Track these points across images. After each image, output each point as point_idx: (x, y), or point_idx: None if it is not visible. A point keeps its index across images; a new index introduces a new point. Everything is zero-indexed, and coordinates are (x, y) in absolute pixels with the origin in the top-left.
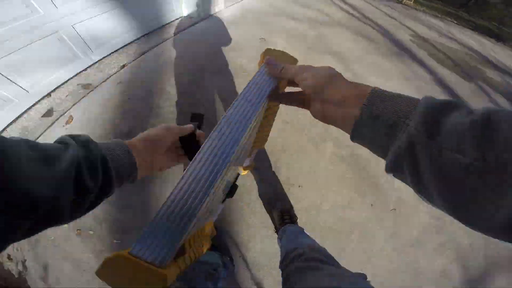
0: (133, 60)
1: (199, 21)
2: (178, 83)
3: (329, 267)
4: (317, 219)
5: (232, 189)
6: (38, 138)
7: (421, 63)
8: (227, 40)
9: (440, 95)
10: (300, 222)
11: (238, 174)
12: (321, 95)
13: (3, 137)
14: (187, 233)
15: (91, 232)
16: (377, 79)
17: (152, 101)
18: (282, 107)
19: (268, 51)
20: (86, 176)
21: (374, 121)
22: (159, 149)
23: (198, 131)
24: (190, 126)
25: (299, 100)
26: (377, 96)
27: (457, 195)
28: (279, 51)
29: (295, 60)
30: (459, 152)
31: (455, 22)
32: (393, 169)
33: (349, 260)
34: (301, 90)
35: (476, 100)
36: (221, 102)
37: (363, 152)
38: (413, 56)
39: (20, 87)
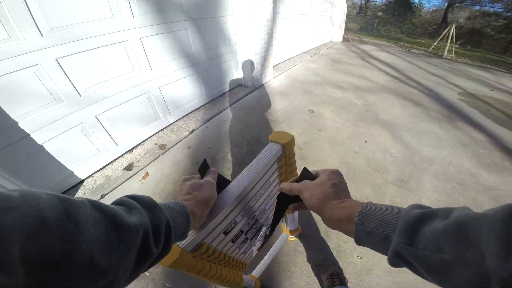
0: (200, 126)
1: (253, 90)
2: (238, 153)
3: None
4: (369, 283)
5: (266, 239)
6: (117, 187)
7: (475, 124)
8: (278, 110)
9: (503, 161)
10: (350, 285)
11: (270, 229)
12: (321, 214)
13: (67, 197)
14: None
15: (147, 274)
16: (431, 150)
17: (216, 168)
18: None
19: (274, 134)
20: (152, 243)
21: (368, 236)
22: (209, 207)
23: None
24: (214, 170)
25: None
26: (367, 213)
27: (444, 280)
28: (282, 132)
29: (293, 138)
30: (438, 251)
31: (503, 70)
32: (394, 265)
33: None
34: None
35: None
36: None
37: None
38: (465, 118)
39: (113, 139)
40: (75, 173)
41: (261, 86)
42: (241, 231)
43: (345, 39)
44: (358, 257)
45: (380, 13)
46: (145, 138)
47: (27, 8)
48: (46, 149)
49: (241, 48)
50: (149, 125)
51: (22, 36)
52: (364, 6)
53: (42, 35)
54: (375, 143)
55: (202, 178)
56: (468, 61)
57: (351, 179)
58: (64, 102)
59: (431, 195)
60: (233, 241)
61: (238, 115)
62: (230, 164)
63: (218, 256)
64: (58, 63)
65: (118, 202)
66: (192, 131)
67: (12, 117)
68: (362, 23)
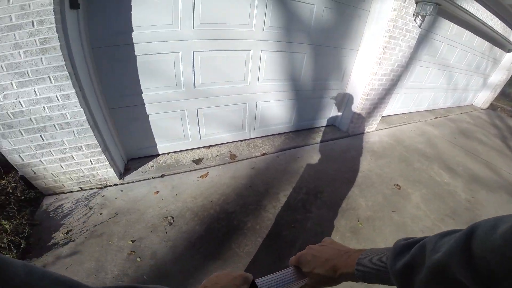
0: (273, 153)
1: (345, 136)
2: (291, 198)
3: None
4: None
5: None
6: (178, 174)
7: None
8: (361, 171)
9: None
10: None
11: None
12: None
13: None
14: None
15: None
16: None
17: (262, 200)
18: None
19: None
20: None
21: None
22: None
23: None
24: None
25: None
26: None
27: None
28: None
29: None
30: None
31: None
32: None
33: None
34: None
35: None
36: (315, 241)
37: None
38: None
39: (199, 132)
40: (157, 146)
41: (357, 135)
42: None
43: (491, 106)
44: None
45: None
46: (223, 142)
47: (193, 2)
48: (150, 119)
49: (353, 87)
50: (232, 132)
51: (180, 25)
52: None
53: (193, 27)
54: None
55: None
56: None
57: None
58: (180, 89)
59: None
60: None
61: (314, 158)
62: (278, 203)
63: None
64: (193, 56)
65: None
66: (264, 154)
67: (142, 87)
68: None
